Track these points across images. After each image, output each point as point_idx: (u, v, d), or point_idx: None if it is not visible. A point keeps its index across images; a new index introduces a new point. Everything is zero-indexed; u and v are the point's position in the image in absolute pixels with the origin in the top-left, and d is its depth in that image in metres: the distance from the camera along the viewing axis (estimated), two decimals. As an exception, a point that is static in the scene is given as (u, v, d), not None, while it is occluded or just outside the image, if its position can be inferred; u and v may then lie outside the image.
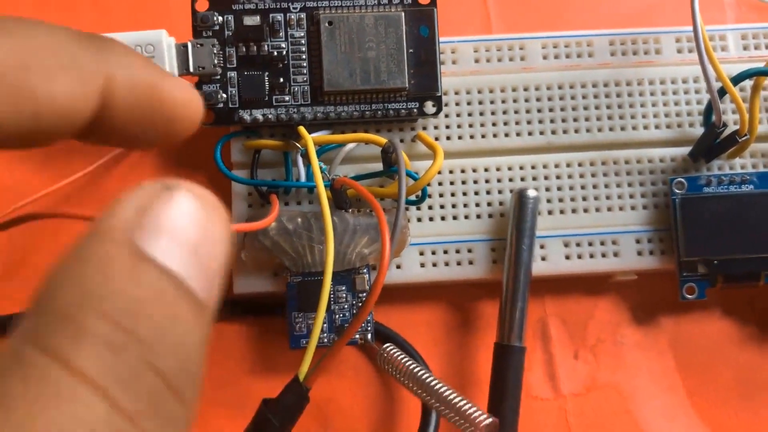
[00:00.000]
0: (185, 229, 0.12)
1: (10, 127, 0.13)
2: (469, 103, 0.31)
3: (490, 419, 0.23)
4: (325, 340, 0.28)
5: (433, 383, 0.25)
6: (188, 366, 0.11)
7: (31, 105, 0.13)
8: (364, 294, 0.29)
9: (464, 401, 0.24)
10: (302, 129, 0.28)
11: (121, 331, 0.10)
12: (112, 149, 0.31)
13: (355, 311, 0.28)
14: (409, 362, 0.26)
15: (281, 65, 0.29)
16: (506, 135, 0.31)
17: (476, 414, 0.23)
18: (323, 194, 0.26)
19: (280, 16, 0.29)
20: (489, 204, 0.30)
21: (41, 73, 0.14)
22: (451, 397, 0.24)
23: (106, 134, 0.15)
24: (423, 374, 0.25)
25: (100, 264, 0.11)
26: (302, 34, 0.29)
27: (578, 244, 0.30)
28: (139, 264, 0.11)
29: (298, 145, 0.29)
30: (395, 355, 0.26)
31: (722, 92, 0.29)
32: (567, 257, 0.30)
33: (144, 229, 0.11)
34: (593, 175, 0.30)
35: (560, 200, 0.30)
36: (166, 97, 0.16)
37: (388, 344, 0.27)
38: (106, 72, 0.15)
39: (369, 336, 0.28)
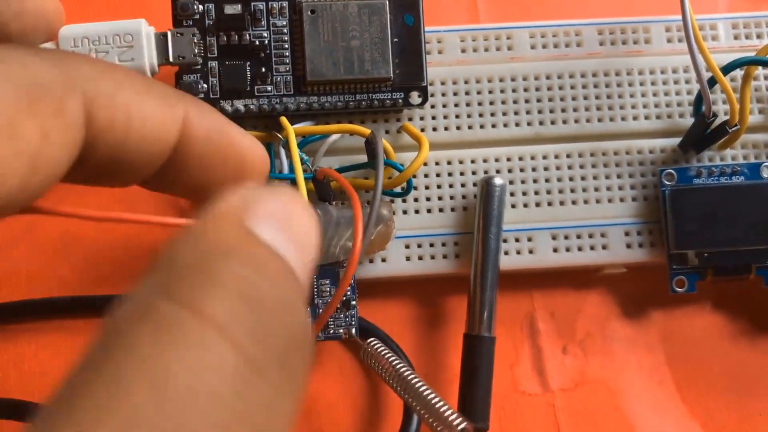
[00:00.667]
0: (288, 220, 0.13)
1: (107, 139, 0.14)
2: (455, 94, 0.30)
3: (464, 423, 0.23)
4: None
5: (412, 381, 0.24)
6: (304, 329, 0.12)
7: (123, 118, 0.14)
8: (348, 287, 0.28)
9: (441, 402, 0.23)
10: (284, 120, 0.28)
11: (252, 286, 0.11)
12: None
13: (339, 305, 0.28)
14: (393, 358, 0.25)
15: (263, 55, 0.29)
16: (493, 126, 0.30)
17: (452, 417, 0.23)
18: (302, 186, 0.26)
19: (261, 5, 0.29)
20: (476, 196, 0.29)
21: (133, 90, 0.14)
22: (429, 396, 0.23)
23: (177, 176, 0.16)
24: (404, 371, 0.25)
25: (219, 233, 0.12)
26: (284, 23, 0.29)
27: (566, 237, 0.29)
28: (248, 236, 0.12)
29: (280, 136, 0.28)
30: (379, 350, 0.26)
31: (712, 82, 0.28)
32: (555, 250, 0.29)
33: (251, 214, 0.12)
34: (582, 167, 0.30)
35: (548, 192, 0.30)
36: (236, 140, 0.16)
37: (372, 339, 0.26)
38: (185, 106, 0.15)
39: (353, 330, 0.28)
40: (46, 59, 0.14)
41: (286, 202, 0.13)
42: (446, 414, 0.23)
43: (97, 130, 0.14)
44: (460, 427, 0.22)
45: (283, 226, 0.13)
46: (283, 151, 0.29)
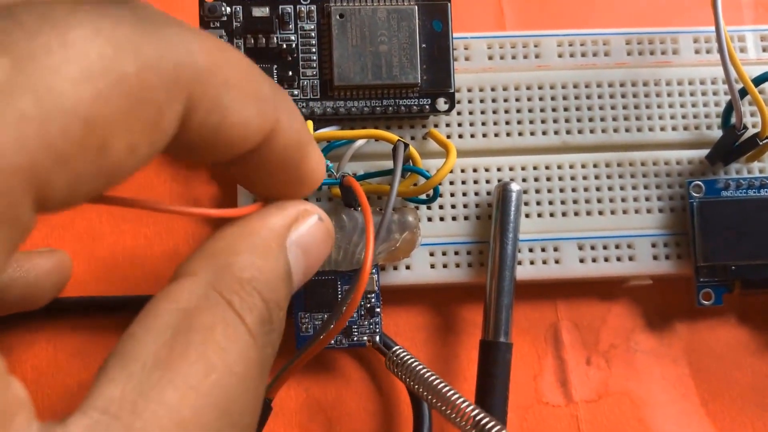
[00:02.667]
0: (307, 240, 0.18)
1: (191, 136, 0.15)
2: (482, 101, 0.30)
3: (504, 431, 0.22)
4: (333, 341, 0.27)
5: (444, 389, 0.24)
6: (281, 313, 0.17)
7: (217, 120, 0.15)
8: (373, 294, 0.28)
9: (477, 410, 0.23)
10: (309, 124, 0.27)
11: (257, 294, 0.16)
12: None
13: (363, 312, 0.28)
14: (420, 366, 0.25)
15: (290, 58, 0.28)
16: (520, 134, 0.30)
17: (490, 425, 0.22)
18: None
19: (290, 8, 0.28)
20: (490, 204, 0.29)
21: (238, 92, 0.15)
22: (464, 405, 0.23)
23: (240, 168, 0.17)
24: (434, 380, 0.24)
25: (263, 244, 0.17)
26: (312, 27, 0.28)
27: (593, 248, 0.29)
28: (280, 251, 0.17)
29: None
30: (406, 358, 0.25)
31: (742, 94, 0.28)
32: (581, 260, 0.29)
33: (291, 231, 0.18)
34: (609, 177, 0.30)
35: (575, 202, 0.29)
36: (308, 159, 0.18)
37: (397, 347, 0.26)
38: (278, 114, 0.16)
39: (377, 338, 0.27)
40: (157, 38, 0.13)
41: (315, 227, 0.19)
42: (483, 422, 0.22)
43: (186, 131, 0.14)
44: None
45: (306, 255, 0.18)
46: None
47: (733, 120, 0.28)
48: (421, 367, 0.25)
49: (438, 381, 0.24)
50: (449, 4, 0.29)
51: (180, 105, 0.14)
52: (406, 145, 0.27)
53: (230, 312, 0.15)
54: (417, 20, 0.28)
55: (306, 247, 0.18)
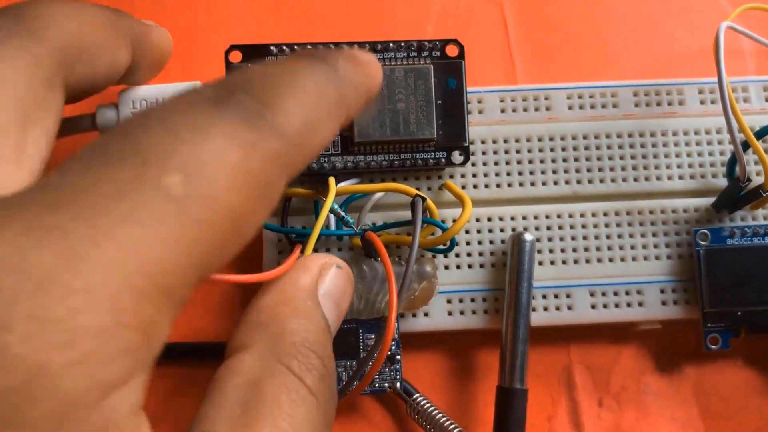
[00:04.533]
0: (334, 290, 0.20)
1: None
2: (495, 152, 0.31)
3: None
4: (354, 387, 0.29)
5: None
6: (333, 363, 0.19)
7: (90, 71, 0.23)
8: (393, 342, 0.29)
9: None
10: (332, 181, 0.29)
11: (312, 354, 0.18)
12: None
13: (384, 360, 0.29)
14: (440, 414, 0.26)
15: (313, 116, 0.30)
16: (532, 184, 0.31)
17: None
18: (312, 243, 0.26)
19: (312, 68, 0.30)
20: (504, 252, 0.30)
21: (96, 46, 0.23)
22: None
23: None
24: (453, 428, 0.25)
25: (303, 305, 0.19)
26: (334, 86, 0.30)
27: (603, 294, 0.30)
28: (317, 307, 0.19)
29: (324, 197, 0.29)
30: (426, 406, 0.27)
31: (746, 145, 0.29)
32: (593, 306, 0.30)
33: (319, 285, 0.20)
34: (618, 225, 0.31)
35: (586, 249, 0.31)
36: (159, 44, 0.28)
37: (417, 395, 0.27)
38: (130, 37, 0.25)
39: (398, 385, 0.29)
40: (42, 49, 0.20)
41: (341, 277, 0.21)
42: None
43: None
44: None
45: (336, 304, 0.20)
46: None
47: (737, 172, 0.29)
48: (440, 415, 0.26)
49: (456, 429, 0.25)
50: (463, 63, 0.30)
51: (61, 85, 0.21)
52: (424, 199, 0.28)
53: (291, 377, 0.17)
54: (433, 78, 0.30)
55: (334, 297, 0.20)
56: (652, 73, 0.33)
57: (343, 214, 0.29)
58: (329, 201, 0.28)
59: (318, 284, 0.20)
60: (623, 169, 0.31)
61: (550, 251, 0.31)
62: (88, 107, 0.30)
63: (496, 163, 0.31)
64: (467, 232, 0.31)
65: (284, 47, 0.30)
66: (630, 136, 0.32)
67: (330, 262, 0.21)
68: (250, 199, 0.14)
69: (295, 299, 0.19)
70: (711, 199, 0.31)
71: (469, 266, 0.31)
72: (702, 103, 0.32)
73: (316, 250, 0.30)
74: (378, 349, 0.22)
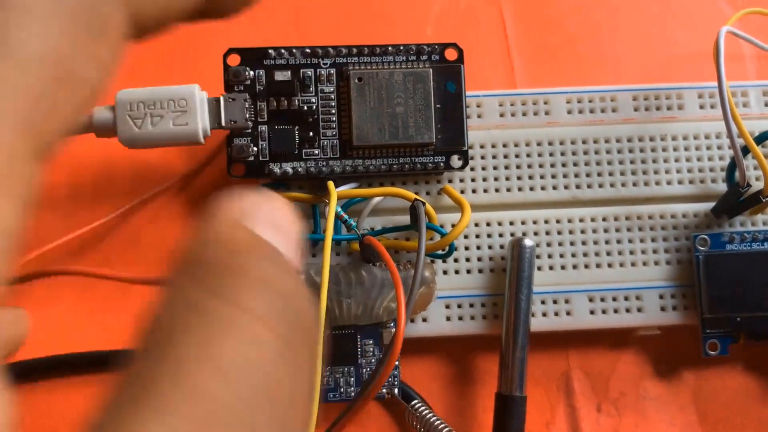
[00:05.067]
0: (279, 221, 0.15)
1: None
2: (494, 157, 0.31)
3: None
4: (352, 393, 0.28)
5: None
6: (311, 309, 0.14)
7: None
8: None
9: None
10: (331, 185, 0.29)
11: (277, 280, 0.14)
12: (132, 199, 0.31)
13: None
14: (438, 421, 0.26)
15: (311, 119, 0.30)
16: (531, 189, 0.31)
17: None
18: (328, 249, 0.26)
19: (310, 72, 0.30)
20: (503, 258, 0.30)
21: None
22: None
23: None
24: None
25: (235, 237, 0.14)
26: (332, 90, 0.30)
27: (602, 299, 0.30)
28: (258, 239, 0.14)
29: (325, 199, 0.29)
30: (424, 412, 0.26)
31: (746, 150, 0.29)
32: (591, 312, 0.30)
33: (254, 220, 0.15)
34: (617, 230, 0.31)
35: (585, 255, 0.30)
36: None
37: (415, 401, 0.27)
38: None
39: (396, 390, 0.28)
40: None
41: (276, 207, 0.15)
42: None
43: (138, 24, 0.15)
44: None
45: (277, 228, 0.15)
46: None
47: (737, 177, 0.29)
48: (438, 421, 0.26)
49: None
50: (462, 66, 0.30)
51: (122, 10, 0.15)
52: (423, 203, 0.28)
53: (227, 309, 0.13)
54: (432, 82, 0.30)
55: (276, 222, 0.15)
56: (653, 78, 0.33)
57: (346, 217, 0.29)
58: (333, 204, 0.28)
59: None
60: (622, 173, 0.31)
61: (549, 256, 0.31)
62: (84, 110, 0.29)
63: (495, 168, 0.31)
64: (466, 237, 0.31)
65: (283, 50, 0.30)
66: (629, 140, 0.31)
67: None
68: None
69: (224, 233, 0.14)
70: (710, 204, 0.31)
71: (468, 271, 0.30)
72: (702, 107, 0.32)
73: (314, 254, 0.30)
74: (389, 356, 0.22)
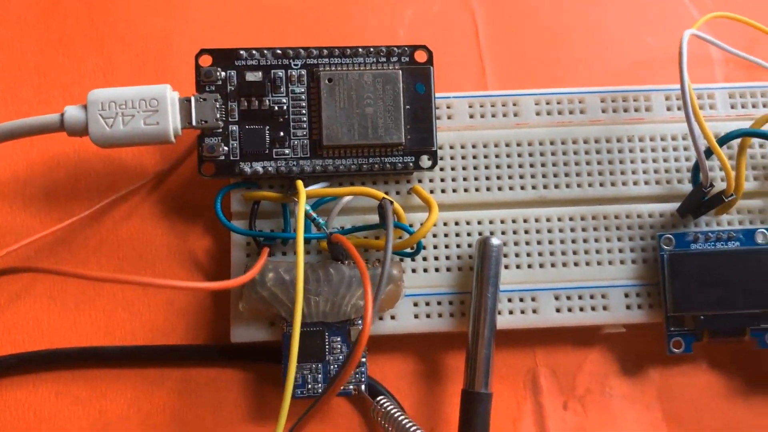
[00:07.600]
0: None
1: None
2: (463, 158, 0.32)
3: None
4: (319, 390, 0.29)
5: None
6: None
7: None
8: (359, 344, 0.29)
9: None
10: (299, 184, 0.29)
11: None
12: (105, 197, 0.32)
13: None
14: (402, 417, 0.26)
15: (282, 120, 0.30)
16: (499, 189, 0.31)
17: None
18: (301, 246, 0.26)
19: (281, 73, 0.30)
20: (471, 256, 0.31)
21: None
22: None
23: None
24: (414, 430, 0.26)
25: None
26: (303, 90, 0.30)
27: (568, 298, 0.31)
28: None
29: (295, 198, 0.30)
30: (389, 408, 0.27)
31: (709, 152, 0.29)
32: (557, 310, 0.30)
33: None
34: (584, 230, 0.31)
35: (551, 254, 0.31)
36: None
37: (381, 397, 0.28)
38: None
39: (363, 387, 0.29)
40: None
41: None
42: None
43: None
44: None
45: None
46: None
47: (701, 177, 0.30)
48: (402, 416, 0.26)
49: (416, 430, 0.26)
50: (432, 68, 0.30)
51: None
52: (391, 202, 0.28)
53: None
54: (401, 84, 0.30)
55: None
56: (621, 80, 0.34)
57: (314, 215, 0.29)
58: (302, 203, 0.28)
59: None
60: (589, 174, 0.32)
61: (516, 255, 0.31)
62: (55, 108, 0.30)
63: (464, 168, 0.32)
64: (434, 236, 0.31)
65: (254, 51, 0.30)
66: (597, 141, 0.32)
67: None
68: None
69: None
70: (676, 205, 0.31)
71: (436, 270, 0.31)
72: (669, 109, 0.33)
73: (284, 253, 0.31)
74: (354, 351, 0.22)
